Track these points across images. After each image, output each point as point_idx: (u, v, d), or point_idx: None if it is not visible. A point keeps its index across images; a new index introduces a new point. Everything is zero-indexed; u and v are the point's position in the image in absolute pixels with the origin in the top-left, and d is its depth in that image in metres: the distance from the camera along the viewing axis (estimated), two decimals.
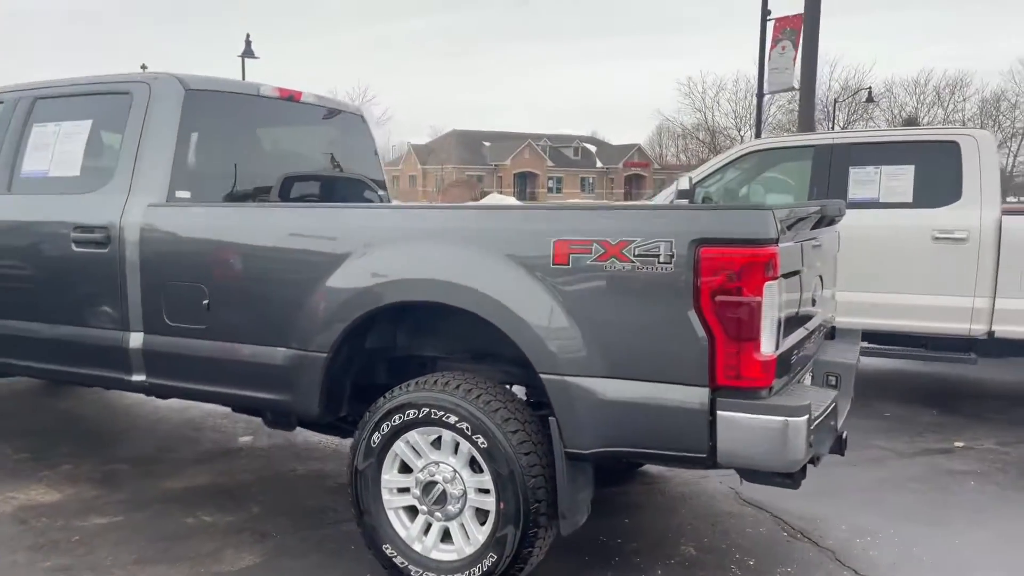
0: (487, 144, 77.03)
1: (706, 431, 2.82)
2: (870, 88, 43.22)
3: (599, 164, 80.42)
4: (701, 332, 2.79)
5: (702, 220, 2.85)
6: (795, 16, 17.69)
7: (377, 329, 3.55)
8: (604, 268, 2.92)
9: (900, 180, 6.48)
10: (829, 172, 6.67)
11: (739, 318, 2.76)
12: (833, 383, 3.84)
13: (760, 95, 18.75)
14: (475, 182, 62.23)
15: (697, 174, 7.25)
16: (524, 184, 75.10)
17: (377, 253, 3.33)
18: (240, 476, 4.78)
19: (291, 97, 4.69)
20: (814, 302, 3.55)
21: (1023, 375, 7.48)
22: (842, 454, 3.56)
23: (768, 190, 7.72)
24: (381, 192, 5.36)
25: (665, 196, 7.21)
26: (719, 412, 2.79)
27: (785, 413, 2.74)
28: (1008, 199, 20.01)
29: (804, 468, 3.12)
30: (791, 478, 3.06)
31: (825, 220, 3.72)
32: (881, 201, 6.49)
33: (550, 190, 76.64)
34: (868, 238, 6.45)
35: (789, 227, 2.96)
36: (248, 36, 33.64)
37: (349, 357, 3.53)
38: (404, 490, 3.32)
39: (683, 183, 6.80)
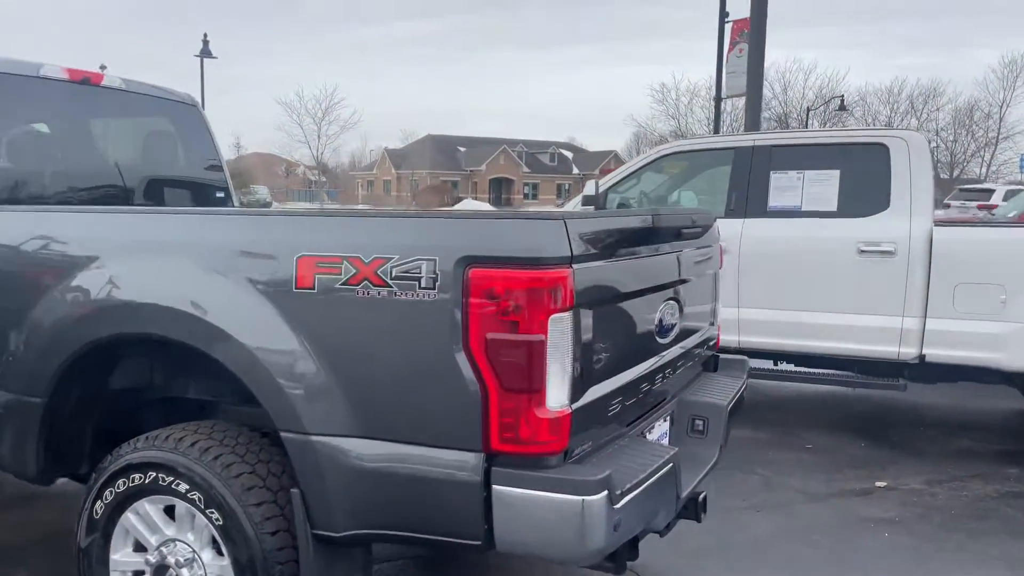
0: (462, 149, 76.32)
1: (480, 510, 2.14)
2: (843, 96, 42.94)
3: (575, 170, 79.92)
4: (472, 380, 2.11)
5: (472, 231, 2.18)
6: (742, 20, 17.20)
7: (125, 365, 2.84)
8: (355, 293, 2.23)
9: (824, 186, 5.86)
10: (749, 177, 6.03)
11: (514, 362, 2.08)
12: (700, 428, 3.18)
13: (718, 99, 18.20)
14: (448, 187, 61.50)
15: (610, 179, 6.60)
16: (499, 190, 74.48)
17: (96, 272, 2.62)
18: (30, 529, 4.05)
19: (86, 80, 3.97)
20: (667, 331, 2.88)
21: (959, 401, 6.86)
22: (698, 520, 2.89)
23: (701, 195, 7.11)
24: (219, 194, 4.66)
25: (573, 204, 6.55)
26: (494, 486, 2.11)
27: (577, 489, 2.07)
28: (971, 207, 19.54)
29: (635, 545, 2.46)
30: (613, 561, 2.40)
31: (691, 232, 3.07)
32: (803, 209, 5.87)
33: (526, 196, 76.07)
34: (789, 250, 5.85)
35: (600, 242, 2.29)
36: (205, 35, 32.83)
37: (84, 400, 2.81)
38: (139, 575, 2.62)
39: (589, 188, 6.14)
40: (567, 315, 2.12)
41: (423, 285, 2.15)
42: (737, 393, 3.41)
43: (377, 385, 2.24)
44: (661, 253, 2.75)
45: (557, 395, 2.13)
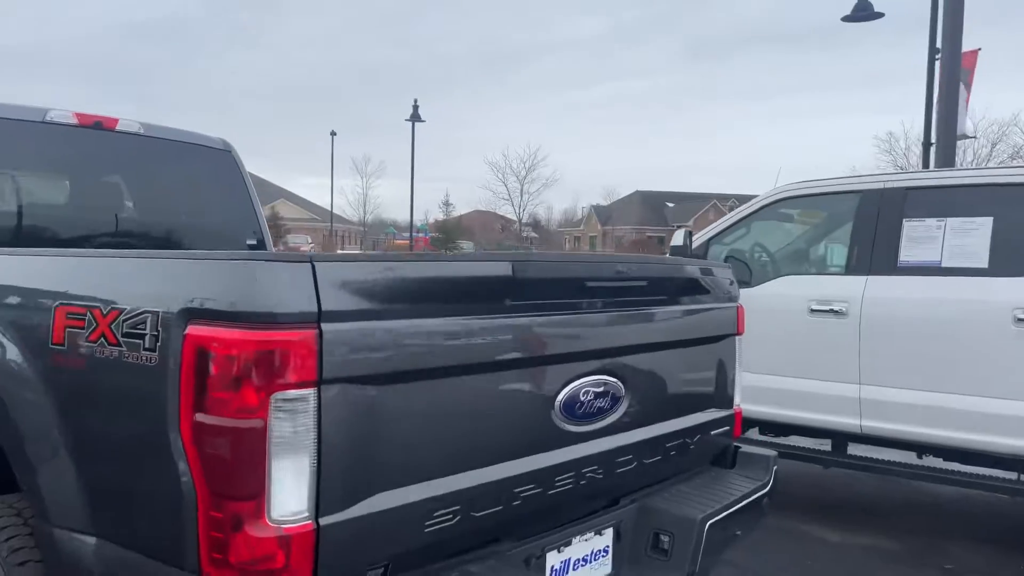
0: (670, 205, 75.11)
1: None
2: None
3: None
4: (184, 476, 1.58)
5: (198, 275, 1.66)
6: (968, 53, 15.22)
7: None
8: (93, 353, 1.78)
9: (972, 237, 4.68)
10: (876, 226, 4.97)
11: (222, 456, 1.52)
12: (664, 547, 2.39)
13: (927, 144, 16.20)
14: (652, 243, 60.55)
15: (711, 228, 5.76)
16: None
17: None
18: None
19: (98, 124, 3.91)
20: (591, 416, 2.17)
21: None
22: None
23: (826, 246, 6.07)
24: (250, 241, 4.45)
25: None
26: None
27: None
28: None
29: None
30: None
31: (660, 287, 2.37)
32: (944, 266, 4.72)
33: None
34: (925, 316, 4.71)
35: (391, 294, 1.68)
36: (415, 101, 34.75)
37: None
38: None
39: (677, 238, 5.35)
40: (307, 393, 1.53)
41: (146, 345, 1.66)
42: (735, 502, 2.57)
43: (105, 473, 1.77)
44: (560, 312, 2.07)
45: (289, 503, 1.53)
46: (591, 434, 2.19)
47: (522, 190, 68.41)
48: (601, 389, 2.21)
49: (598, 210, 77.42)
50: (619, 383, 2.28)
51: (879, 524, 5.10)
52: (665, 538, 2.42)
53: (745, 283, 5.42)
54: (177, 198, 4.37)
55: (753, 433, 6.04)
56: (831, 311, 4.95)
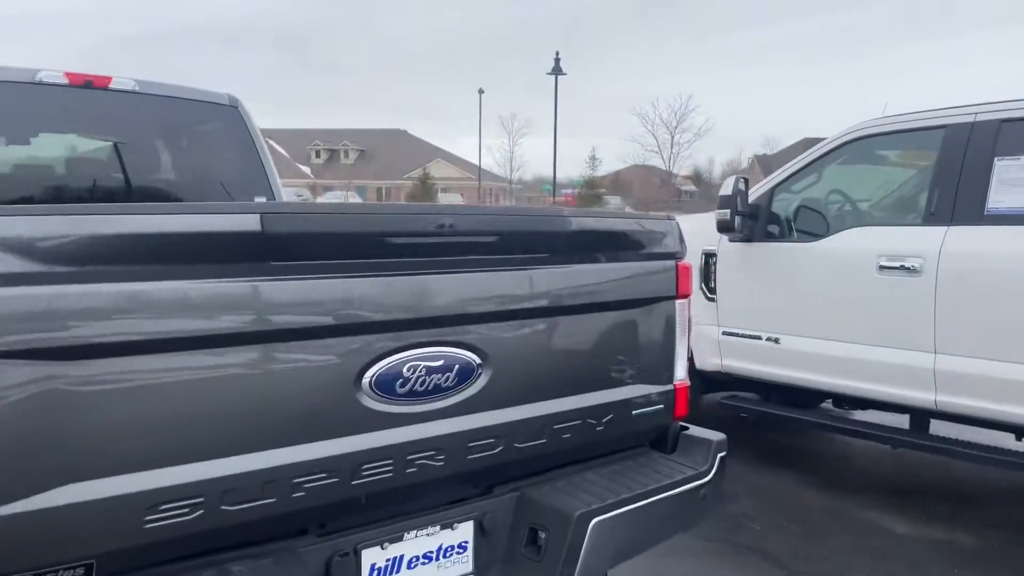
0: None
1: None
2: None
3: None
4: None
5: None
6: None
7: None
8: None
9: None
10: (961, 167, 4.21)
11: None
12: (539, 544, 2.06)
13: None
14: None
15: (775, 176, 5.12)
16: None
17: None
18: None
19: (88, 84, 3.91)
20: (421, 393, 1.86)
21: None
22: None
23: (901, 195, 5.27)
24: (259, 198, 4.37)
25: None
26: None
27: None
28: None
29: None
30: None
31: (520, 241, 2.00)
32: None
33: None
34: (1018, 274, 3.95)
35: (66, 253, 1.44)
36: (557, 53, 34.20)
37: None
38: None
39: (726, 186, 4.78)
40: None
41: None
42: (644, 495, 2.18)
43: None
44: (350, 274, 1.74)
45: None
46: (427, 415, 1.88)
47: (672, 141, 65.99)
48: (439, 363, 1.89)
49: (761, 160, 73.74)
50: (472, 356, 1.95)
51: (962, 516, 4.41)
52: (543, 535, 2.08)
53: (817, 236, 4.80)
54: (178, 157, 4.34)
55: (828, 406, 5.44)
56: (902, 268, 4.26)
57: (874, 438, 4.66)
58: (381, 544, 1.87)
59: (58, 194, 3.83)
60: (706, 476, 2.36)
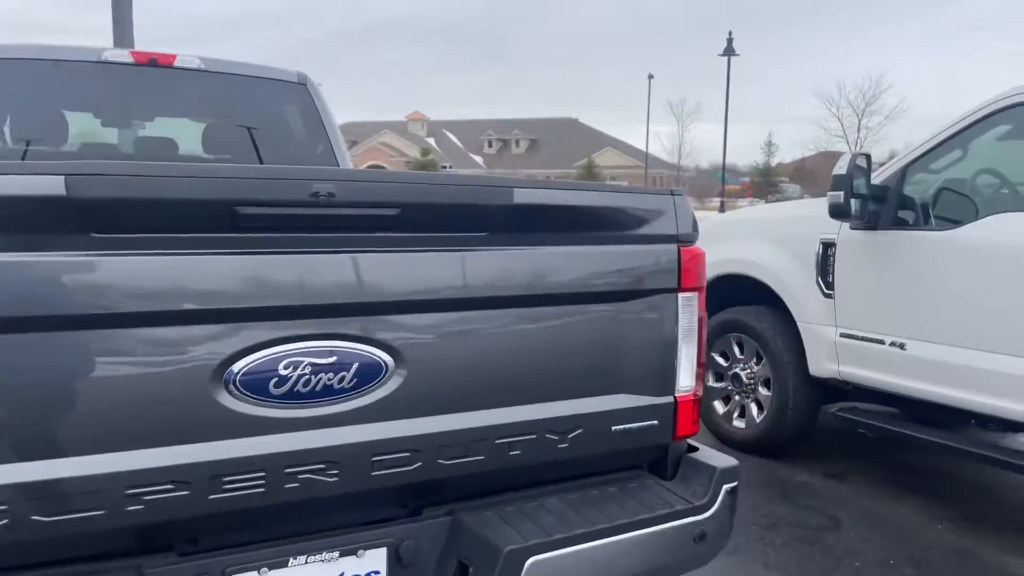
0: None
1: None
2: None
3: None
4: None
5: None
6: None
7: None
8: None
9: None
10: None
11: None
12: None
13: None
14: None
15: (909, 153, 4.37)
16: None
17: None
18: None
19: (152, 62, 3.91)
20: (304, 395, 1.57)
21: None
22: None
23: None
24: None
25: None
26: None
27: None
28: None
29: None
30: None
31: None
32: None
33: None
34: None
35: None
36: (730, 33, 32.75)
37: None
38: None
39: (840, 166, 4.12)
40: None
41: None
42: (606, 532, 1.76)
43: None
44: (197, 250, 1.46)
45: None
46: (313, 421, 1.58)
47: (859, 125, 61.22)
48: (329, 361, 1.58)
49: None
50: (379, 354, 1.62)
51: None
52: (472, 571, 1.73)
53: (961, 222, 4.05)
54: (244, 135, 4.27)
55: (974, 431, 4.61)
56: None
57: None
58: (258, 569, 1.59)
59: None
60: (703, 512, 1.91)
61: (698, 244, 2.06)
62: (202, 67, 4.02)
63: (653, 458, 2.06)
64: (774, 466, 4.83)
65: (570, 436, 1.86)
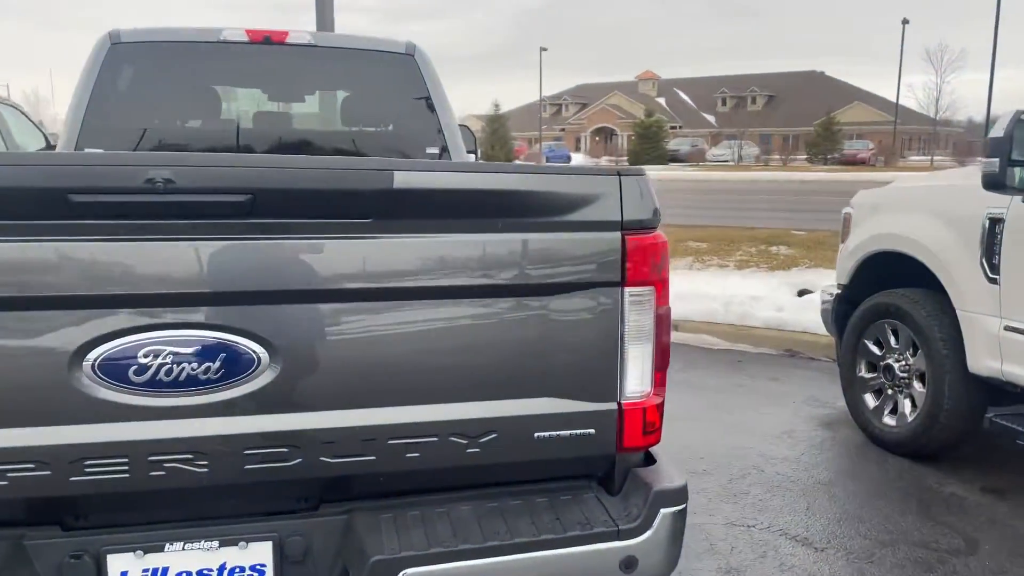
0: None
1: None
2: None
3: None
4: None
5: None
6: None
7: None
8: None
9: None
10: None
11: None
12: None
13: None
14: None
15: None
16: None
17: None
18: None
19: (267, 39, 4.09)
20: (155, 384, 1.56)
21: None
22: None
23: None
24: (431, 149, 4.27)
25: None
26: None
27: None
28: None
29: None
30: None
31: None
32: None
33: None
34: None
35: None
36: None
37: None
38: None
39: (998, 127, 3.42)
40: None
41: None
42: (493, 550, 1.60)
43: None
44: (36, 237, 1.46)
45: None
46: (177, 411, 1.56)
47: None
48: (191, 351, 1.55)
49: None
50: (250, 345, 1.57)
51: None
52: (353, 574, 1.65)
53: None
54: (354, 108, 4.37)
55: None
56: None
57: None
58: (134, 551, 1.62)
59: (235, 147, 4.09)
60: (632, 536, 1.68)
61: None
62: (312, 42, 4.15)
63: (603, 470, 1.84)
64: (923, 472, 4.23)
65: (482, 441, 1.71)
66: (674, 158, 53.16)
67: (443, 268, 1.65)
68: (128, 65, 3.98)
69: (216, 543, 1.66)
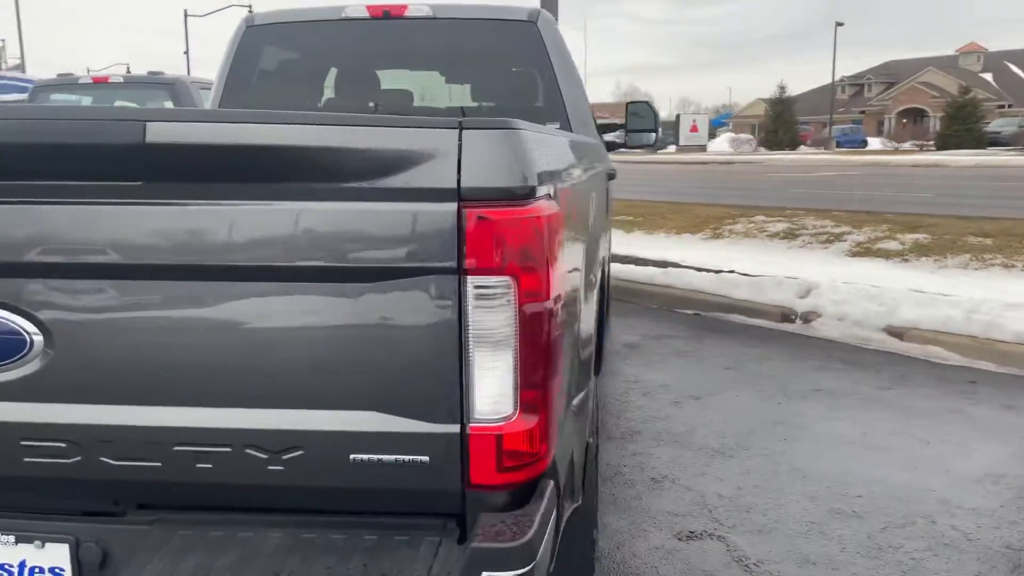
0: None
1: None
2: None
3: None
4: None
5: None
6: None
7: None
8: None
9: None
10: None
11: None
12: None
13: None
14: None
15: None
16: None
17: None
18: None
19: (386, 14, 3.99)
20: None
21: None
22: None
23: None
24: (552, 126, 3.94)
25: None
26: None
27: None
28: None
29: None
30: None
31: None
32: None
33: None
34: None
35: None
36: None
37: None
38: None
39: None
40: None
41: None
42: None
43: None
44: None
45: None
46: None
47: None
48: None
49: None
50: (20, 323, 1.39)
51: None
52: None
53: None
54: (477, 80, 4.14)
55: None
56: None
57: None
58: None
59: None
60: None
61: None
62: (431, 15, 3.98)
63: (456, 508, 1.43)
64: None
65: (285, 458, 1.39)
66: (994, 141, 46.43)
67: (228, 243, 1.35)
68: (260, 47, 4.08)
69: (12, 538, 1.52)
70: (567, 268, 1.64)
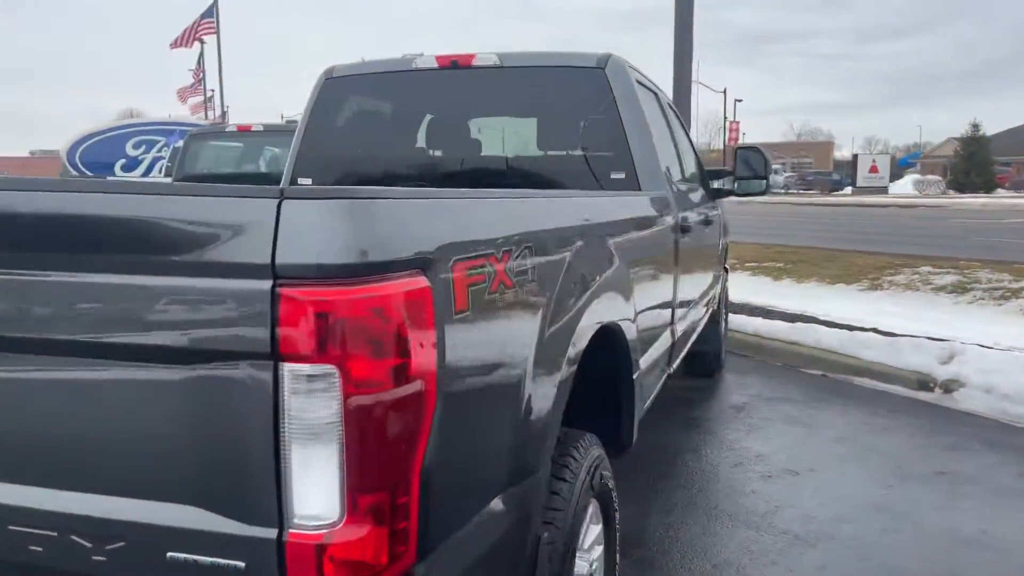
0: None
1: None
2: None
3: None
4: None
5: None
6: None
7: None
8: None
9: None
10: None
11: None
12: None
13: None
14: None
15: None
16: None
17: None
18: None
19: (454, 64, 3.96)
20: None
21: None
22: None
23: None
24: (616, 175, 3.75)
25: None
26: None
27: None
28: None
29: None
30: None
31: None
32: None
33: None
34: None
35: None
36: None
37: None
38: None
39: None
40: None
41: None
42: None
43: None
44: None
45: None
46: None
47: None
48: None
49: None
50: None
51: None
52: None
53: None
54: (543, 130, 4.00)
55: None
56: None
57: None
58: None
59: (428, 175, 4.01)
60: None
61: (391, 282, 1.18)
62: (499, 63, 3.90)
63: None
64: None
65: (108, 548, 1.29)
66: None
67: (31, 316, 1.27)
68: (337, 98, 4.16)
69: None
70: (469, 350, 1.46)
